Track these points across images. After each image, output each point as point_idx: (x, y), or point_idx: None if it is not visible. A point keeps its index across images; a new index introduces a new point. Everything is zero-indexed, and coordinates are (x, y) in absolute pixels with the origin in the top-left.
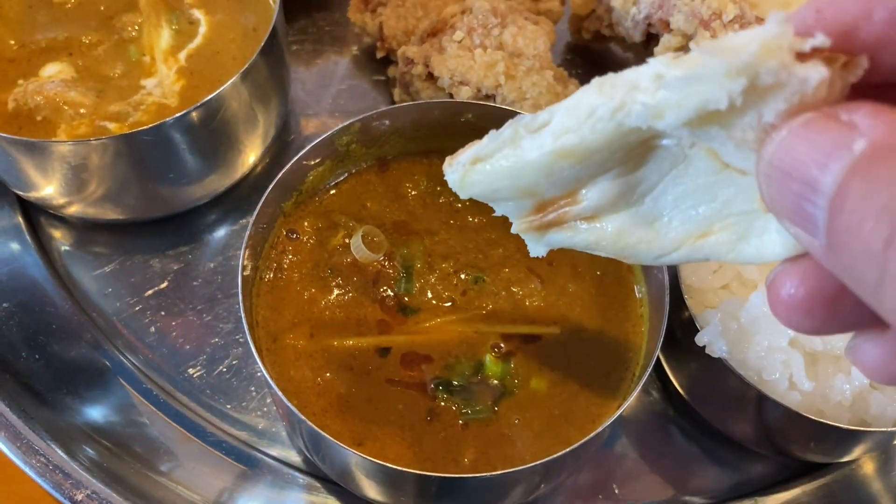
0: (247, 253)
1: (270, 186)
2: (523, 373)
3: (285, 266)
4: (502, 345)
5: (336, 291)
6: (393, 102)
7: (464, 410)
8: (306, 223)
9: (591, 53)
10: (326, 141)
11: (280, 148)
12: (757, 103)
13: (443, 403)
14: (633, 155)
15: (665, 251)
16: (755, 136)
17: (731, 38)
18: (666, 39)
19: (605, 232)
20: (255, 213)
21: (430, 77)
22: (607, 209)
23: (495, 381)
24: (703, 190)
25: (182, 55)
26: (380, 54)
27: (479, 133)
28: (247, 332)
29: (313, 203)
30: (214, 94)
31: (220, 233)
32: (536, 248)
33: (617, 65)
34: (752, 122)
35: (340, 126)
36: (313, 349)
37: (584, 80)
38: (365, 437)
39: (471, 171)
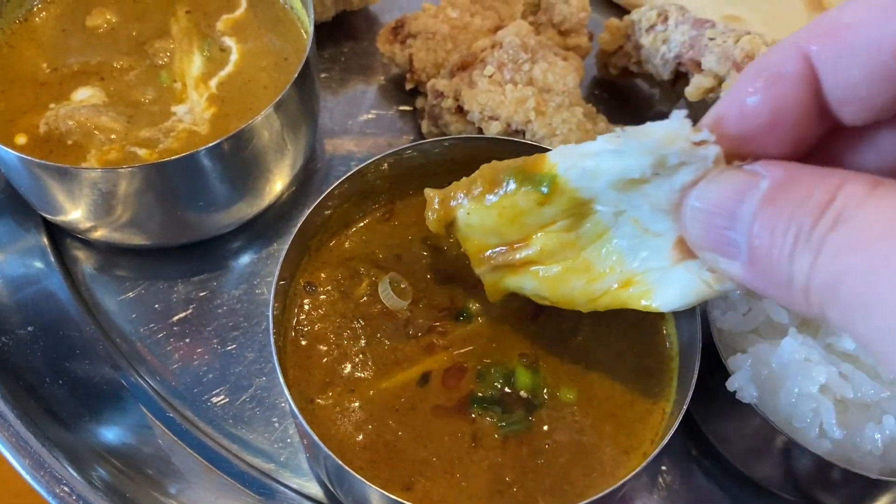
0: (275, 306)
1: (295, 231)
2: (553, 383)
3: (310, 321)
4: (530, 356)
5: (369, 341)
6: (420, 134)
7: (500, 424)
8: (323, 274)
9: (618, 88)
10: (355, 176)
11: (306, 175)
12: (670, 176)
13: (480, 420)
14: (575, 213)
15: (595, 296)
16: (668, 202)
17: (649, 126)
18: (697, 80)
19: (548, 274)
20: (279, 266)
21: (460, 110)
22: (552, 256)
23: (526, 394)
24: (627, 249)
25: (213, 82)
26: (409, 86)
27: None
28: (287, 394)
29: (326, 251)
30: (247, 124)
31: (245, 260)
32: (494, 293)
33: (643, 100)
34: (666, 191)
35: (371, 160)
36: (353, 403)
37: (610, 114)
38: (414, 481)
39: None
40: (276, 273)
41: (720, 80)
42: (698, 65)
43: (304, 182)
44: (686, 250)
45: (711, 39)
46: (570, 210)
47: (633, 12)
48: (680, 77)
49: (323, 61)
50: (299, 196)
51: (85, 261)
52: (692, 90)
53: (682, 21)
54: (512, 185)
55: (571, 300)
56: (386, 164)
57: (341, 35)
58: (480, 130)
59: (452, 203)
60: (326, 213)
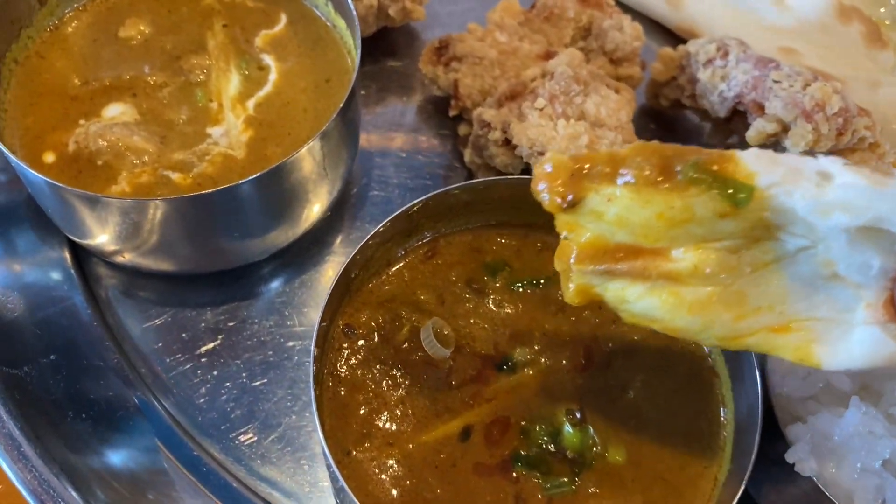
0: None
1: (339, 275)
2: (601, 442)
3: (348, 367)
4: (577, 412)
5: (409, 391)
6: (461, 159)
7: (545, 486)
8: (363, 317)
9: (666, 119)
10: (400, 217)
11: (341, 198)
12: None
13: (524, 481)
14: (750, 235)
15: (738, 334)
16: None
17: None
18: (760, 124)
19: (681, 298)
20: (321, 311)
21: (507, 143)
22: (703, 277)
23: (572, 453)
24: (799, 290)
25: (251, 103)
26: (452, 112)
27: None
28: (324, 445)
29: (366, 292)
30: (288, 157)
31: (276, 287)
32: (578, 296)
33: (691, 132)
34: None
35: (417, 201)
36: (391, 457)
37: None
38: None
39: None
40: (318, 318)
41: (784, 127)
42: (761, 108)
43: (339, 205)
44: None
45: (777, 82)
46: (747, 231)
47: (689, 43)
48: (736, 114)
49: (360, 78)
50: (333, 220)
51: (109, 280)
52: (754, 134)
53: (743, 58)
54: (692, 184)
55: (700, 332)
56: (432, 202)
57: (380, 51)
58: (528, 165)
59: (587, 181)
60: (367, 252)
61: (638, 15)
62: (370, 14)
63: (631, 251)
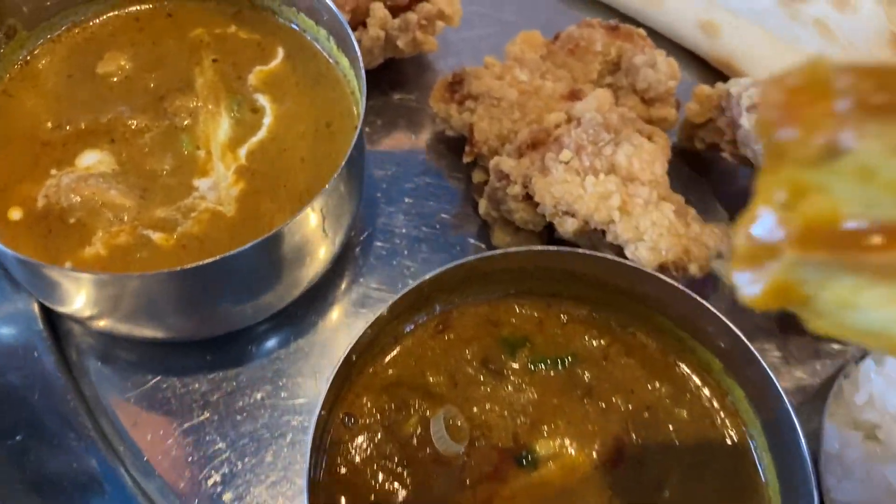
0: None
1: (341, 361)
2: None
3: (347, 463)
4: None
5: (417, 492)
6: (475, 208)
7: None
8: (366, 404)
9: (701, 160)
10: (411, 293)
11: (342, 252)
12: None
13: None
14: None
15: None
16: None
17: None
18: None
19: None
20: (321, 400)
21: (528, 197)
22: None
23: None
24: None
25: (242, 151)
26: (467, 159)
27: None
28: None
29: (369, 374)
30: (285, 225)
31: (269, 354)
32: (753, 287)
33: (727, 174)
34: None
35: (430, 275)
36: None
37: (687, 187)
38: None
39: None
40: (317, 408)
41: None
42: None
43: (339, 261)
44: None
45: None
46: None
47: (730, 83)
48: None
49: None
50: (332, 276)
51: (85, 341)
52: None
53: None
54: None
55: None
56: (445, 276)
57: (387, 82)
58: (551, 224)
59: (868, 115)
60: (369, 330)
61: (668, 42)
62: (376, 46)
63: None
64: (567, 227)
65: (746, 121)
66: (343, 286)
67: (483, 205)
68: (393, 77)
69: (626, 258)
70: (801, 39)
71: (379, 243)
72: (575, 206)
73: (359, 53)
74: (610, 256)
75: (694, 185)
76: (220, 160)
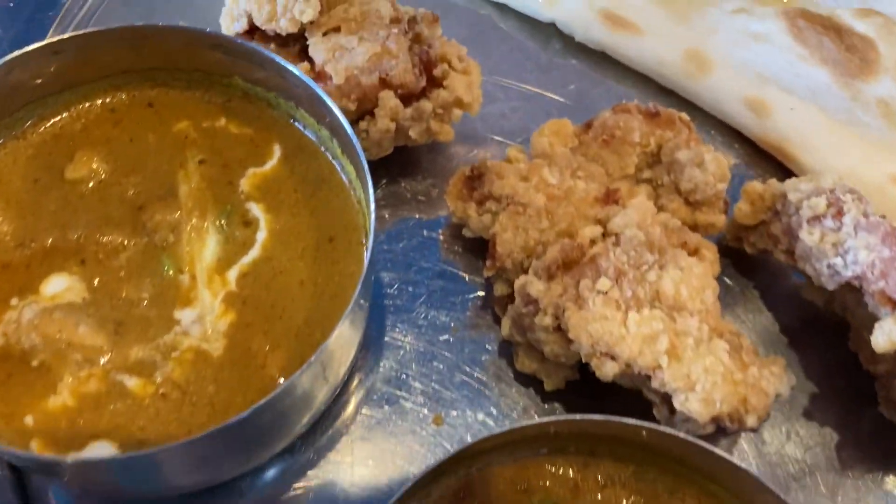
0: None
1: None
2: None
3: None
4: None
5: None
6: (498, 322)
7: None
8: None
9: (748, 259)
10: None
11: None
12: None
13: None
14: None
15: None
16: None
17: None
18: (890, 328)
19: None
20: None
21: (559, 328)
22: None
23: None
24: None
25: (232, 274)
26: (487, 273)
27: None
28: None
29: None
30: (285, 384)
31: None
32: None
33: (778, 275)
34: None
35: (448, 457)
36: None
37: (734, 293)
38: None
39: None
40: None
41: None
42: (892, 302)
43: (327, 412)
44: None
45: None
46: None
47: (787, 184)
48: (847, 287)
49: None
50: (322, 422)
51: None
52: (883, 341)
53: (864, 226)
54: None
55: None
56: (468, 452)
57: (397, 168)
58: (587, 365)
59: None
60: None
61: (712, 118)
62: (386, 139)
63: None
64: (607, 370)
65: (807, 234)
66: (328, 430)
67: (506, 326)
68: (404, 162)
69: (672, 406)
70: (862, 122)
71: (383, 381)
72: (616, 349)
73: (365, 164)
74: (653, 427)
75: (738, 283)
76: (205, 286)
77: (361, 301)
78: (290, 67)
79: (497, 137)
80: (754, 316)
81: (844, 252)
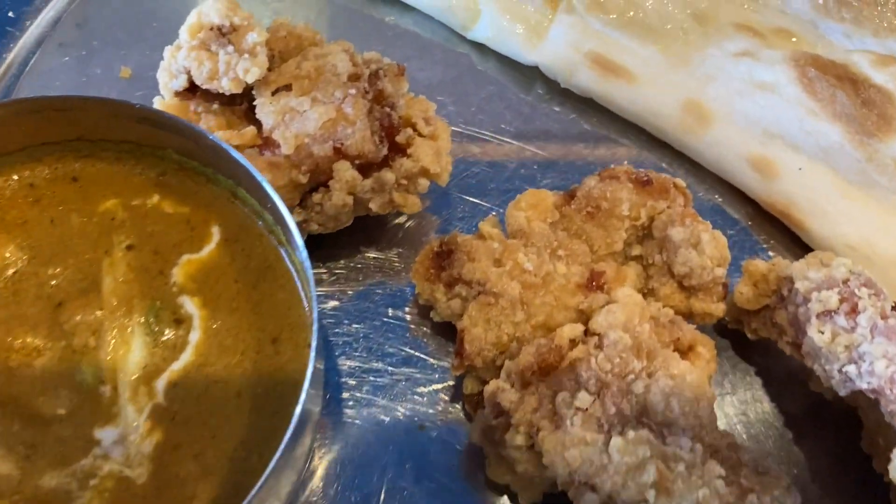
0: None
1: None
2: None
3: None
4: None
5: None
6: (467, 416)
7: None
8: None
9: (750, 343)
10: None
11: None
12: None
13: None
14: None
15: None
16: None
17: None
18: None
19: None
20: None
21: (533, 447)
22: None
23: None
24: None
25: (160, 384)
26: (454, 372)
27: None
28: None
29: None
30: None
31: None
32: None
33: (783, 357)
34: None
35: None
36: None
37: (738, 380)
38: None
39: None
40: None
41: None
42: None
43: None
44: None
45: None
46: None
47: (793, 267)
48: (859, 396)
49: (327, 279)
50: None
51: None
52: None
53: (882, 329)
54: None
55: None
56: None
57: (360, 235)
58: (564, 493)
59: None
60: None
61: (712, 176)
62: (343, 213)
63: None
64: (586, 502)
65: (816, 332)
66: None
67: (475, 432)
68: (368, 228)
69: None
70: (879, 185)
71: (344, 472)
72: (597, 479)
73: (307, 264)
74: None
75: (739, 367)
76: (129, 401)
77: (305, 417)
78: (224, 146)
79: (473, 199)
80: (757, 405)
81: (859, 357)
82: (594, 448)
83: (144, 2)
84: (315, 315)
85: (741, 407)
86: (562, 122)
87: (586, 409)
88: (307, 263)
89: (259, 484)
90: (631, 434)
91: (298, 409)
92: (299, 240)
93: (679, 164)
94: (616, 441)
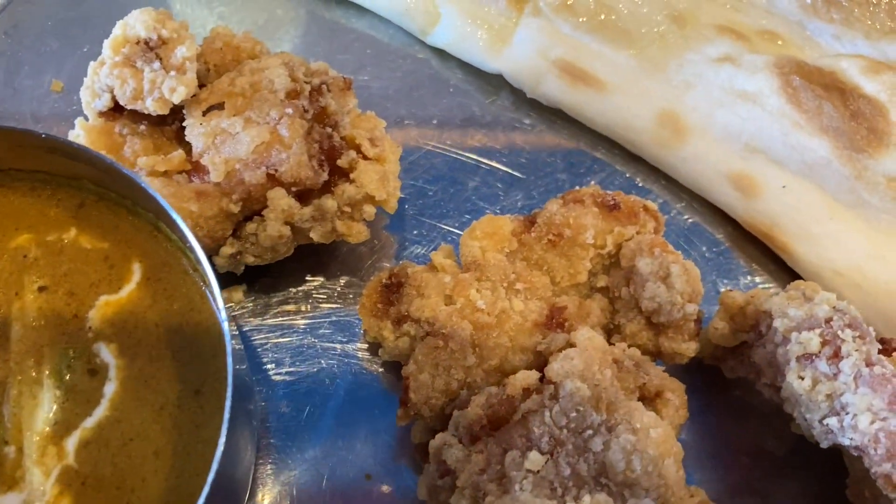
0: None
1: None
2: None
3: None
4: None
5: None
6: (419, 467)
7: None
8: None
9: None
10: None
11: None
12: None
13: None
14: None
15: None
16: None
17: None
18: None
19: None
20: None
21: None
22: None
23: None
24: None
25: (70, 442)
26: (400, 423)
27: None
28: None
29: None
30: None
31: None
32: None
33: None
34: None
35: None
36: None
37: (712, 420)
38: None
39: None
40: None
41: None
42: None
43: None
44: None
45: None
46: None
47: (772, 302)
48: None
49: (273, 310)
50: None
51: None
52: None
53: (866, 379)
54: None
55: None
56: None
57: (306, 265)
58: None
59: None
60: None
61: (689, 193)
62: (280, 244)
63: None
64: None
65: (795, 377)
66: None
67: (422, 489)
68: (314, 255)
69: None
70: (869, 205)
71: None
72: None
73: (221, 314)
74: None
75: (715, 402)
76: (35, 463)
77: (228, 477)
78: (137, 179)
79: (430, 221)
80: (736, 442)
81: (841, 408)
82: None
83: (79, 7)
84: (230, 377)
85: (717, 453)
86: (528, 134)
87: (538, 471)
88: (222, 312)
89: None
90: (587, 499)
91: (214, 467)
92: (213, 278)
93: (654, 181)
94: None
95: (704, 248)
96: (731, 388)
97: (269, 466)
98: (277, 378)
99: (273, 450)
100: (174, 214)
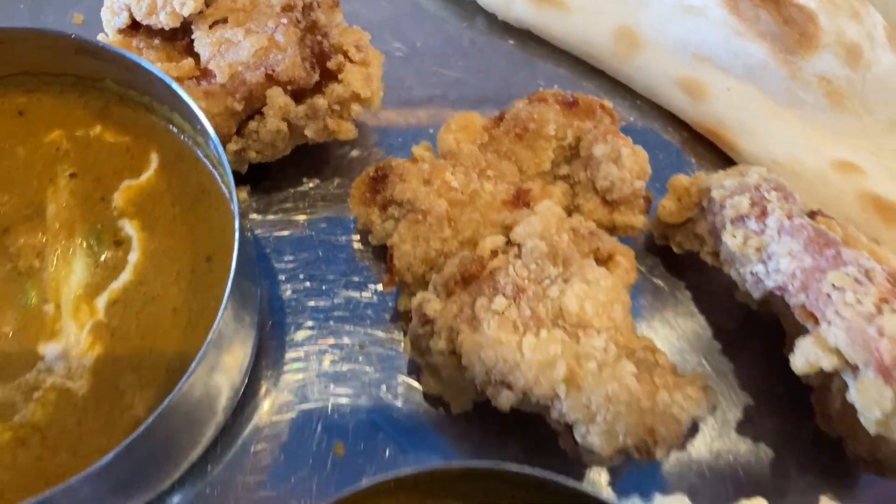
0: None
1: None
2: None
3: None
4: None
5: None
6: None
7: None
8: None
9: (676, 256)
10: None
11: (237, 408)
12: None
13: None
14: None
15: None
16: None
17: None
18: (808, 348)
19: None
20: None
21: (455, 352)
22: None
23: None
24: None
25: (101, 301)
26: (385, 289)
27: None
28: None
29: None
30: (153, 417)
31: None
32: None
33: (711, 273)
34: None
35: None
36: None
37: (667, 297)
38: None
39: None
40: None
41: (851, 367)
42: (814, 317)
43: (228, 431)
44: None
45: (837, 289)
46: None
47: (711, 179)
48: (772, 298)
49: (274, 207)
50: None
51: None
52: (801, 363)
53: (788, 229)
54: None
55: None
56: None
57: (301, 168)
58: (483, 394)
59: None
60: None
61: (645, 101)
62: (279, 140)
63: None
64: (503, 401)
65: (730, 237)
66: (230, 454)
67: (407, 345)
68: (309, 160)
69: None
70: (804, 102)
71: (281, 397)
72: (511, 377)
73: (231, 183)
74: (545, 475)
75: (668, 283)
76: (71, 317)
77: (232, 330)
78: (155, 71)
79: (415, 131)
80: (685, 320)
81: (768, 257)
82: (508, 347)
83: None
84: (237, 232)
85: (670, 321)
86: (502, 54)
87: (503, 312)
88: (231, 181)
89: (177, 388)
90: (544, 333)
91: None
92: (223, 153)
93: (615, 92)
94: (528, 339)
95: (658, 151)
96: (683, 271)
97: (273, 342)
98: (277, 266)
99: (274, 327)
100: (185, 96)
